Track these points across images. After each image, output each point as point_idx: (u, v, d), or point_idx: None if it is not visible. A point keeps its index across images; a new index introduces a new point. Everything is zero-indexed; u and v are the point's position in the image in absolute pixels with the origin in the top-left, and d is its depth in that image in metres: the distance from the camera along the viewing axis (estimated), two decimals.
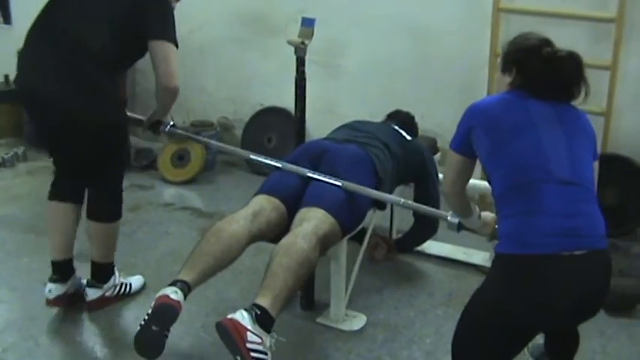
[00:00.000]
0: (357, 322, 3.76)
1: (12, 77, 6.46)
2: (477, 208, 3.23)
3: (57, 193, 3.81)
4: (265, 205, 3.43)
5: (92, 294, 3.79)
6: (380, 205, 3.73)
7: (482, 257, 4.43)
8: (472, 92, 5.12)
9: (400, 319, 3.83)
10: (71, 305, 3.77)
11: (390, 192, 3.86)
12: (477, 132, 2.68)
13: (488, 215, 3.29)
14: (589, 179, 2.62)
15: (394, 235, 4.61)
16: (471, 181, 4.47)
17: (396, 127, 4.22)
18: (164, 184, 5.64)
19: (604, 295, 2.63)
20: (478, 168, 4.76)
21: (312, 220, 3.25)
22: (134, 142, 6.25)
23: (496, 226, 2.84)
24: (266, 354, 2.81)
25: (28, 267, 4.26)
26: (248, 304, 2.92)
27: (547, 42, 2.72)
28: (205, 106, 6.09)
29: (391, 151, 3.87)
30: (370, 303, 3.95)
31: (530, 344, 3.20)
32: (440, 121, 5.18)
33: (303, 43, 4.05)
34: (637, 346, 3.66)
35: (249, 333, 2.78)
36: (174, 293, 2.97)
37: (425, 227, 4.31)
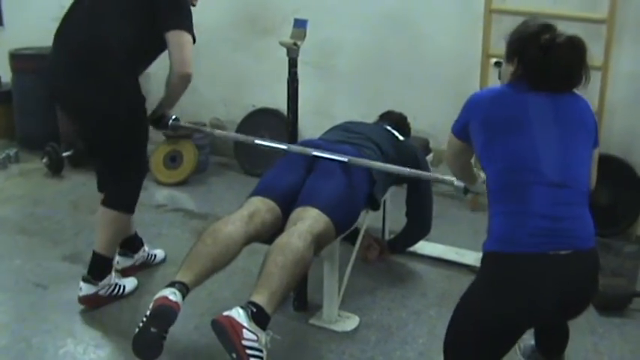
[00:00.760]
0: (350, 323, 3.76)
1: (4, 79, 6.50)
2: (481, 174, 3.24)
3: (102, 185, 4.04)
4: (260, 207, 3.43)
5: (86, 290, 3.80)
6: (373, 205, 3.74)
7: (474, 257, 4.43)
8: (464, 93, 5.04)
9: (393, 319, 3.83)
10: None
11: (384, 193, 3.87)
12: (473, 124, 2.73)
13: None
14: (581, 181, 2.61)
15: (387, 236, 4.61)
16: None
17: (389, 128, 4.23)
18: (156, 185, 5.64)
19: (590, 294, 2.65)
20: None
21: (307, 220, 3.25)
22: None
23: None
24: (261, 351, 2.81)
25: (20, 269, 4.26)
26: (242, 304, 2.92)
27: (547, 28, 2.67)
28: (197, 107, 6.07)
29: (384, 152, 3.88)
30: (363, 304, 3.95)
31: (521, 344, 3.27)
32: (432, 121, 5.19)
33: (295, 44, 4.05)
34: (629, 345, 3.68)
35: (245, 330, 2.78)
36: (172, 294, 2.97)
37: (417, 228, 4.33)
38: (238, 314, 2.81)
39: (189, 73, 3.69)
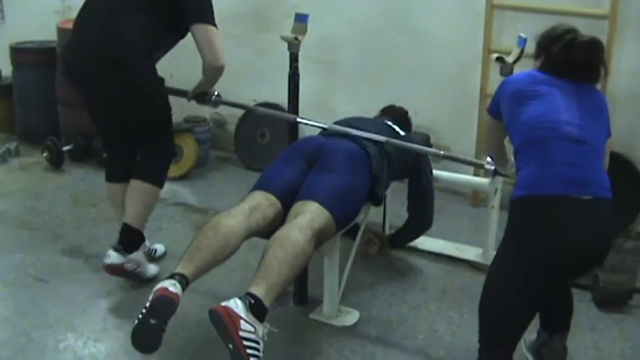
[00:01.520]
0: (351, 317, 3.76)
1: (4, 72, 6.49)
2: (512, 158, 3.26)
3: (110, 175, 4.16)
4: (262, 201, 3.42)
5: (114, 258, 3.87)
6: (374, 200, 3.73)
7: (474, 253, 4.44)
8: (465, 88, 5.13)
9: (393, 314, 3.83)
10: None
11: (385, 188, 3.87)
12: (503, 101, 3.02)
13: None
14: (598, 142, 2.87)
15: (387, 231, 4.61)
16: (467, 177, 4.55)
17: (390, 123, 4.22)
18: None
19: (609, 243, 2.88)
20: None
21: (308, 213, 3.24)
22: None
23: None
24: (258, 343, 2.80)
25: (21, 263, 4.26)
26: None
27: (571, 31, 3.01)
28: None
29: (385, 148, 3.87)
30: (363, 299, 3.96)
31: (526, 338, 3.32)
32: (433, 116, 5.19)
33: (296, 38, 4.05)
34: (629, 342, 3.68)
35: (242, 321, 2.77)
36: (172, 286, 2.96)
37: (418, 223, 4.32)
38: (236, 305, 2.80)
39: (223, 65, 3.85)
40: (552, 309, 3.24)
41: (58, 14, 6.53)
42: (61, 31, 5.95)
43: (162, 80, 3.92)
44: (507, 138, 3.16)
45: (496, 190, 4.26)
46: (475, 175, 5.08)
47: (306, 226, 3.16)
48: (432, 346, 3.57)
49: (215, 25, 3.80)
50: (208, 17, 3.78)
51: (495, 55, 4.13)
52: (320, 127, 4.06)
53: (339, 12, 5.48)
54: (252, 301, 2.85)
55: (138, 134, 3.97)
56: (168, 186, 5.51)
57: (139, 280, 3.96)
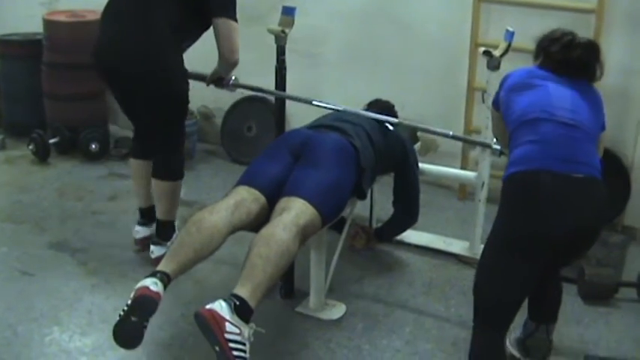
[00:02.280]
0: (337, 311, 3.77)
1: None
2: None
3: (135, 151, 4.39)
4: (246, 196, 3.40)
5: (157, 251, 4.11)
6: (360, 194, 3.72)
7: (461, 246, 4.44)
8: (453, 81, 5.13)
9: (380, 308, 3.84)
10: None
11: (372, 181, 3.86)
12: (502, 96, 3.16)
13: None
14: (591, 127, 2.95)
15: (374, 225, 4.61)
16: (454, 170, 4.56)
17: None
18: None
19: (600, 222, 2.94)
20: (458, 159, 4.80)
21: (292, 210, 3.22)
22: (113, 130, 6.24)
23: None
24: (244, 344, 2.80)
25: (6, 256, 4.24)
26: (227, 294, 2.91)
27: (570, 33, 3.13)
28: None
29: (373, 141, 3.86)
30: (350, 292, 3.96)
31: (511, 335, 3.36)
32: (420, 110, 5.18)
33: (283, 31, 4.03)
34: (614, 335, 3.69)
35: (227, 323, 2.76)
36: (154, 285, 2.95)
37: (404, 217, 4.32)
38: (221, 307, 2.79)
39: (237, 60, 4.02)
40: (541, 298, 3.27)
41: (44, 6, 6.50)
42: (47, 23, 5.93)
43: (186, 73, 4.06)
44: None
45: (483, 184, 4.27)
46: (462, 168, 5.09)
47: (291, 223, 3.15)
48: (419, 339, 3.58)
49: (236, 21, 3.92)
50: (231, 12, 3.90)
51: (483, 49, 4.13)
52: (334, 109, 4.14)
53: (326, 4, 5.47)
54: (238, 303, 2.84)
55: (155, 123, 4.09)
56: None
57: None
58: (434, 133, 4.21)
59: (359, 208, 4.12)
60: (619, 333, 3.72)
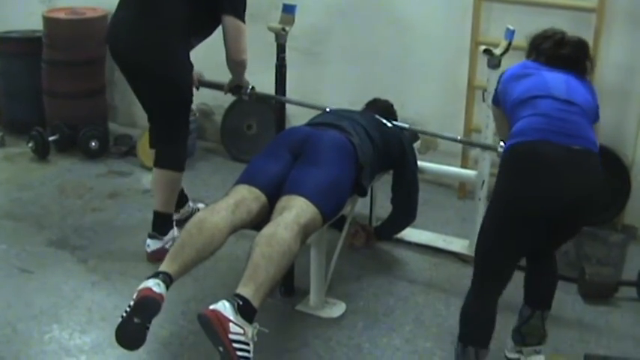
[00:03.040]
0: (337, 309, 3.77)
1: None
2: None
3: (151, 142, 4.38)
4: (246, 195, 3.40)
5: (153, 245, 4.16)
6: (360, 191, 3.72)
7: (461, 245, 4.44)
8: (453, 81, 5.13)
9: (380, 306, 3.83)
10: None
11: (371, 179, 3.85)
12: (500, 90, 3.28)
13: None
14: (587, 106, 3.04)
15: (374, 223, 4.61)
16: (454, 169, 4.56)
17: (377, 116, 4.21)
18: (143, 170, 5.57)
19: (596, 195, 2.96)
20: (458, 157, 4.80)
21: (293, 209, 3.22)
22: (112, 128, 6.24)
23: None
24: (248, 344, 2.80)
25: (5, 254, 4.24)
26: (228, 292, 2.91)
27: (560, 32, 3.26)
28: None
29: (372, 138, 3.86)
30: (350, 290, 3.96)
31: (508, 345, 3.43)
32: (420, 108, 5.18)
33: (284, 29, 4.04)
34: (615, 334, 3.69)
35: (231, 324, 2.77)
36: (156, 286, 2.96)
37: (402, 215, 4.31)
38: (224, 307, 2.79)
39: (243, 60, 4.09)
40: (536, 285, 3.36)
41: (44, 3, 6.48)
42: (46, 21, 5.92)
43: (191, 68, 4.12)
44: None
45: (483, 182, 4.26)
46: (463, 166, 5.08)
47: (292, 222, 3.15)
48: (419, 337, 3.58)
49: (244, 22, 3.99)
50: (240, 13, 3.97)
51: (483, 47, 4.12)
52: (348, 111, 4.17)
53: (326, 3, 5.46)
54: (241, 303, 2.84)
55: (158, 111, 4.18)
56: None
57: None
58: (442, 137, 4.21)
59: (359, 207, 4.12)
60: (619, 332, 3.72)
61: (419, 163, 4.27)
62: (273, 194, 3.41)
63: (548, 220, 2.94)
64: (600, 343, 3.61)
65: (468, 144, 4.84)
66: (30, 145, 5.75)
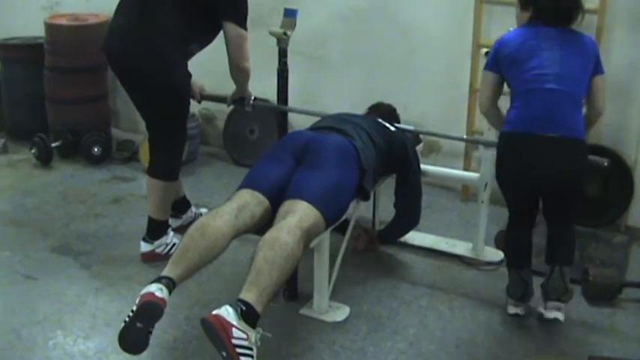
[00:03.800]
0: (341, 313, 3.76)
1: None
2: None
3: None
4: (249, 200, 3.40)
5: (143, 247, 4.22)
6: (363, 195, 3.72)
7: (465, 248, 4.43)
8: (455, 83, 5.13)
9: (383, 310, 3.83)
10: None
11: (374, 183, 3.85)
12: (502, 58, 3.64)
13: None
14: (575, 90, 3.53)
15: (377, 226, 4.60)
16: (457, 172, 4.56)
17: (380, 120, 4.20)
18: (146, 175, 5.58)
19: (576, 173, 3.54)
20: (460, 160, 4.79)
21: (297, 213, 3.22)
22: (115, 134, 6.24)
23: None
24: (251, 349, 2.81)
25: (9, 260, 4.24)
26: (231, 296, 2.91)
27: None
28: None
29: (374, 142, 3.86)
30: (353, 294, 3.95)
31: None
32: (423, 111, 5.18)
33: (285, 34, 4.04)
34: (619, 335, 3.68)
35: (234, 329, 2.77)
36: (159, 290, 2.96)
37: (405, 219, 4.31)
38: (227, 313, 2.80)
39: (246, 67, 4.09)
40: (554, 243, 3.70)
41: (46, 10, 6.51)
42: (48, 27, 5.93)
43: (188, 76, 4.12)
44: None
45: (486, 185, 4.26)
46: (465, 169, 5.08)
47: (295, 226, 3.15)
48: (423, 340, 3.57)
49: (246, 29, 3.99)
50: (241, 20, 3.97)
51: (485, 50, 4.12)
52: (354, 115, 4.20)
53: (328, 7, 5.47)
54: (244, 308, 2.85)
55: (152, 119, 4.16)
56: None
57: None
58: (447, 137, 4.23)
59: (362, 210, 4.11)
60: (623, 333, 3.71)
61: (422, 166, 4.27)
62: (276, 198, 3.41)
63: (537, 191, 3.63)
64: (604, 344, 3.60)
65: (472, 142, 4.88)
66: (33, 151, 5.77)
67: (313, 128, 3.99)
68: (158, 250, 4.18)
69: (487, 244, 4.39)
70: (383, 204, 4.59)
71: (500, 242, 4.35)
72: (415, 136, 4.59)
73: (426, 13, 5.19)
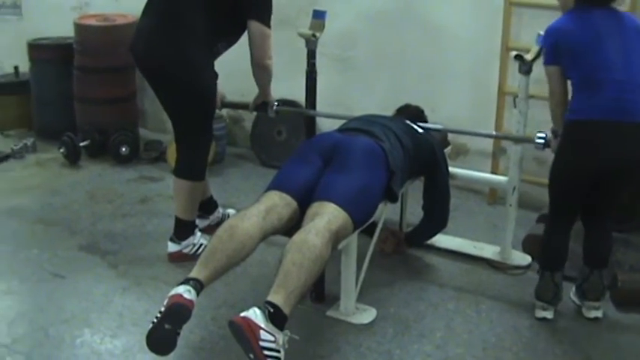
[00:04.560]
0: (368, 315, 3.75)
1: (22, 68, 6.50)
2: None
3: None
4: (277, 202, 3.40)
5: (170, 248, 4.24)
6: (391, 197, 3.71)
7: (492, 251, 4.41)
8: (483, 85, 5.11)
9: (410, 312, 3.82)
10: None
11: (401, 185, 3.84)
12: (560, 49, 3.54)
13: None
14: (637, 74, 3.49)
15: (404, 229, 4.59)
16: (485, 175, 4.53)
17: (408, 121, 4.19)
18: (173, 175, 5.60)
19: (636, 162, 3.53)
20: (488, 163, 4.76)
21: (325, 215, 3.22)
22: (143, 134, 6.27)
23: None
24: (279, 352, 2.81)
25: (38, 258, 4.27)
26: (258, 297, 2.91)
27: None
28: None
29: (403, 144, 3.85)
30: (380, 296, 3.94)
31: (573, 287, 3.89)
32: (450, 113, 5.16)
33: (314, 35, 4.04)
34: None
35: (262, 331, 2.77)
36: (187, 292, 2.97)
37: (434, 222, 4.30)
38: (255, 315, 2.80)
39: (267, 65, 4.06)
40: (593, 246, 3.77)
41: (76, 10, 6.54)
42: (78, 27, 5.97)
43: (215, 76, 4.11)
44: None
45: (514, 189, 4.23)
46: (493, 172, 5.06)
47: (324, 229, 3.14)
48: (450, 343, 3.55)
49: (270, 27, 3.98)
50: (265, 18, 3.97)
51: (514, 53, 4.10)
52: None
53: (356, 8, 5.46)
54: (272, 310, 2.85)
55: (178, 119, 4.18)
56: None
57: None
58: (475, 134, 4.24)
59: (389, 212, 4.10)
60: None
61: (450, 168, 4.25)
62: (304, 200, 3.41)
63: (596, 177, 3.55)
64: (634, 350, 3.57)
65: (502, 138, 4.85)
66: (61, 150, 5.80)
67: (341, 130, 3.98)
68: (185, 251, 4.20)
69: (514, 247, 4.36)
70: (410, 207, 4.58)
71: (528, 246, 4.33)
72: (443, 139, 4.58)
73: (454, 15, 5.18)
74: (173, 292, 2.99)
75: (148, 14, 4.09)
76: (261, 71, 4.10)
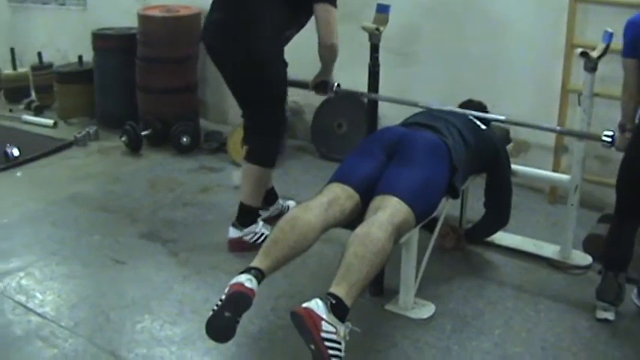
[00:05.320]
0: (426, 310, 3.74)
1: (86, 58, 6.60)
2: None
3: (244, 139, 4.48)
4: (340, 194, 3.40)
5: (232, 233, 4.28)
6: (453, 193, 3.69)
7: (552, 250, 4.36)
8: (547, 83, 5.05)
9: (469, 309, 3.80)
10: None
11: (463, 182, 3.82)
12: (638, 41, 3.55)
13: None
14: None
15: (464, 225, 4.57)
16: (546, 173, 4.47)
17: (470, 117, 4.17)
18: (234, 166, 5.64)
19: None
20: (549, 161, 4.71)
21: (388, 209, 3.21)
22: (204, 124, 6.32)
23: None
24: (340, 343, 2.80)
25: (99, 244, 4.34)
26: (317, 289, 2.92)
27: None
28: None
29: (465, 140, 3.82)
30: (439, 292, 3.93)
31: (634, 289, 3.81)
32: (512, 110, 5.10)
33: (377, 29, 4.03)
34: None
35: (323, 322, 2.77)
36: (248, 281, 2.98)
37: (495, 219, 4.27)
38: (317, 306, 2.80)
39: (334, 44, 4.02)
40: (618, 245, 3.72)
41: (139, 2, 6.62)
42: (141, 18, 6.03)
43: (284, 63, 4.14)
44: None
45: (576, 187, 4.18)
46: (554, 170, 5.00)
47: (387, 222, 3.13)
48: (508, 342, 3.53)
49: (335, 6, 3.96)
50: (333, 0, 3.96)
51: (580, 50, 4.04)
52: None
53: (419, 3, 5.44)
54: (334, 302, 2.85)
55: (250, 106, 4.25)
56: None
57: None
58: (539, 128, 4.30)
59: (450, 209, 4.08)
60: None
61: (512, 165, 4.22)
62: (366, 193, 3.41)
63: None
64: None
65: (567, 134, 4.69)
66: (123, 139, 5.88)
67: (404, 124, 3.97)
68: (246, 238, 4.22)
69: (575, 247, 4.31)
70: (470, 203, 4.55)
71: (589, 246, 4.28)
72: (505, 136, 4.54)
73: (517, 11, 5.13)
74: (234, 280, 3.00)
75: (217, 9, 4.15)
76: (328, 51, 4.08)
